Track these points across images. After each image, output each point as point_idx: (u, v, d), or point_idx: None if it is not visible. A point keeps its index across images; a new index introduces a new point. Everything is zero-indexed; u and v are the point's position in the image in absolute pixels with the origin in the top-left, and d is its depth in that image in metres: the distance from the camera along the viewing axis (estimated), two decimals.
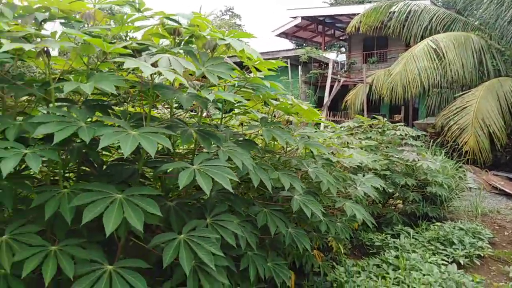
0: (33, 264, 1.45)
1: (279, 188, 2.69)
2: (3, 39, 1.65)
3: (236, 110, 2.96)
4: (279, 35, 22.32)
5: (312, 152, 3.22)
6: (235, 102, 1.79)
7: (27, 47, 1.38)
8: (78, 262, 1.58)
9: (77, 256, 1.58)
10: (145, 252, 1.98)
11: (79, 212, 1.57)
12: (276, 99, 2.42)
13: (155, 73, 1.75)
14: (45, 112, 2.01)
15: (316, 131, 3.13)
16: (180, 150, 2.78)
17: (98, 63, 2.23)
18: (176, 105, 2.47)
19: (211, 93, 1.65)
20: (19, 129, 1.50)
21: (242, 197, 2.46)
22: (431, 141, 9.46)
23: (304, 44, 24.40)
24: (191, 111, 3.04)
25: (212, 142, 1.86)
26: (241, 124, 3.59)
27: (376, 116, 6.16)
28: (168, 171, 1.96)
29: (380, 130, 5.91)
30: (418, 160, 5.13)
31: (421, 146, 5.94)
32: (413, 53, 10.51)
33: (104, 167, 2.15)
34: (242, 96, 1.93)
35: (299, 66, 15.82)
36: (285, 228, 2.41)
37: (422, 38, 11.28)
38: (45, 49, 1.54)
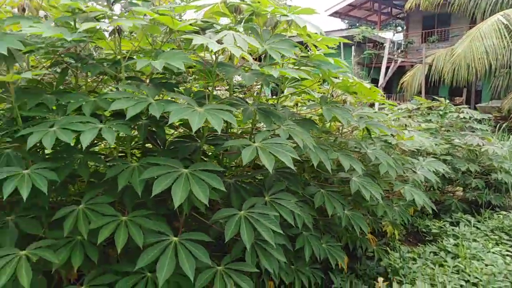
0: (107, 232, 1.55)
1: (333, 170, 2.65)
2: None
3: (287, 91, 2.92)
4: (332, 14, 21.59)
5: (369, 133, 3.13)
6: (299, 79, 1.76)
7: (103, 25, 1.44)
8: (146, 232, 1.67)
9: (145, 227, 1.67)
10: (204, 227, 2.05)
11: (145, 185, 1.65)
12: (336, 78, 2.35)
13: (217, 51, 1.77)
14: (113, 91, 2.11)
15: (375, 112, 3.03)
16: (234, 130, 2.81)
17: (159, 43, 2.29)
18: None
19: (275, 70, 1.63)
20: (94, 105, 1.59)
21: (298, 177, 2.45)
22: (496, 125, 8.80)
23: (357, 24, 23.46)
24: (244, 92, 3.05)
25: (272, 121, 1.86)
26: (296, 104, 3.55)
27: (437, 98, 5.82)
28: (228, 148, 1.99)
29: (441, 112, 5.59)
30: (483, 145, 4.81)
31: (487, 130, 5.55)
32: (480, 30, 9.71)
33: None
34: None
35: (353, 47, 15.29)
36: (342, 210, 2.38)
37: (492, 13, 10.37)
38: (117, 28, 1.60)
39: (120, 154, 2.65)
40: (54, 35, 1.44)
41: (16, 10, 2.06)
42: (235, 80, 2.57)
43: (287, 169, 2.33)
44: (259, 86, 2.64)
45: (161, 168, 1.59)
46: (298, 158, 1.69)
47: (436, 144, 4.17)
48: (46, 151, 2.00)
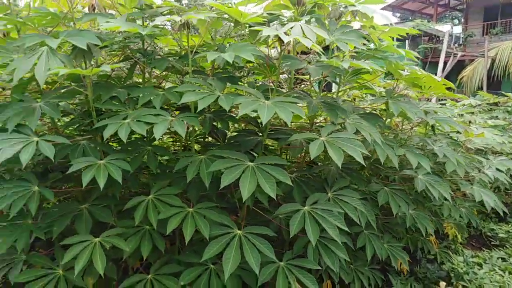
0: (175, 222, 1.58)
1: (393, 167, 2.54)
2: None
3: (341, 87, 2.82)
4: (384, 8, 20.79)
5: (433, 129, 2.96)
6: (370, 70, 1.69)
7: (176, 18, 1.46)
8: (210, 224, 1.68)
9: (210, 219, 1.67)
10: (263, 221, 2.03)
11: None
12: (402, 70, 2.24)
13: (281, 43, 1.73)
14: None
15: (441, 107, 2.87)
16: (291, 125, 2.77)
17: (219, 38, 2.30)
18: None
19: (346, 61, 1.57)
20: (164, 98, 1.63)
21: (360, 174, 2.37)
22: None
23: (410, 17, 22.45)
24: (293, 88, 2.99)
25: (338, 114, 1.80)
26: (353, 99, 3.44)
27: (504, 93, 5.42)
28: (291, 143, 1.95)
29: (509, 108, 5.19)
30: None
31: None
32: None
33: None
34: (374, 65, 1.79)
35: (407, 41, 14.65)
36: (407, 210, 2.27)
37: None
38: (186, 22, 1.61)
39: (178, 148, 2.71)
40: (130, 30, 1.48)
41: (86, 9, 2.17)
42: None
43: (349, 165, 2.26)
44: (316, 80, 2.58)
45: (227, 161, 1.59)
46: (367, 154, 1.62)
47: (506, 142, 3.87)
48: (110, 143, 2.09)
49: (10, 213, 1.42)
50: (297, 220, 1.68)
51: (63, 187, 2.15)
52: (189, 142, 2.33)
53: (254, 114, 2.49)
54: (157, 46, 2.53)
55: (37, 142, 1.43)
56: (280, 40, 1.69)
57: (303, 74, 3.32)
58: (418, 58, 2.51)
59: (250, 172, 1.53)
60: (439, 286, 2.84)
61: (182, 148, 2.32)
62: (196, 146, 2.43)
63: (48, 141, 1.45)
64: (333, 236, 1.65)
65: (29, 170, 1.86)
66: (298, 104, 1.68)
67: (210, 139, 2.39)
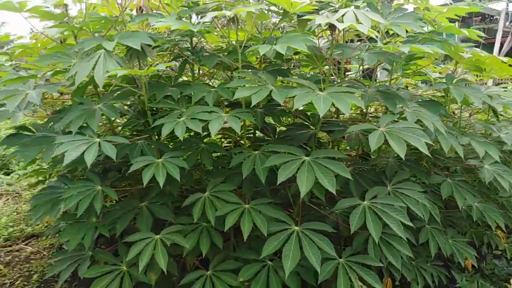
0: (233, 219, 1.57)
1: (453, 157, 2.38)
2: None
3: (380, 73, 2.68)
4: None
5: (496, 116, 2.74)
6: (432, 51, 1.57)
7: (226, 13, 1.44)
8: (267, 220, 1.65)
9: (266, 215, 1.65)
10: (319, 217, 1.98)
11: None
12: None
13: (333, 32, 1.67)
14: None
15: (505, 91, 2.64)
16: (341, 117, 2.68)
17: (264, 31, 2.26)
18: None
19: (405, 46, 1.48)
20: (216, 95, 1.62)
21: (420, 165, 2.24)
22: None
23: None
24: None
25: (396, 103, 1.70)
26: (406, 87, 3.27)
27: None
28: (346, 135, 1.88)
29: None
30: None
31: None
32: None
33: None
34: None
35: (456, 22, 13.82)
36: (473, 202, 2.12)
37: None
38: (235, 17, 1.59)
39: (227, 144, 2.72)
40: (182, 28, 1.49)
41: (134, 12, 2.21)
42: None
43: (406, 156, 2.14)
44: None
45: (282, 156, 1.56)
46: (432, 143, 1.51)
47: None
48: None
49: (77, 212, 1.48)
50: (357, 216, 1.61)
51: (120, 186, 2.22)
52: (239, 138, 2.33)
53: (302, 107, 2.44)
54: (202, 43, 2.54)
55: (99, 143, 1.47)
56: (331, 28, 1.62)
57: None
58: (469, 40, 2.34)
59: (306, 167, 1.49)
60: (509, 284, 2.64)
61: (233, 144, 2.32)
62: (245, 142, 2.43)
63: (108, 142, 1.49)
64: (397, 232, 1.56)
65: (88, 170, 1.94)
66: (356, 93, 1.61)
67: (258, 134, 2.37)
